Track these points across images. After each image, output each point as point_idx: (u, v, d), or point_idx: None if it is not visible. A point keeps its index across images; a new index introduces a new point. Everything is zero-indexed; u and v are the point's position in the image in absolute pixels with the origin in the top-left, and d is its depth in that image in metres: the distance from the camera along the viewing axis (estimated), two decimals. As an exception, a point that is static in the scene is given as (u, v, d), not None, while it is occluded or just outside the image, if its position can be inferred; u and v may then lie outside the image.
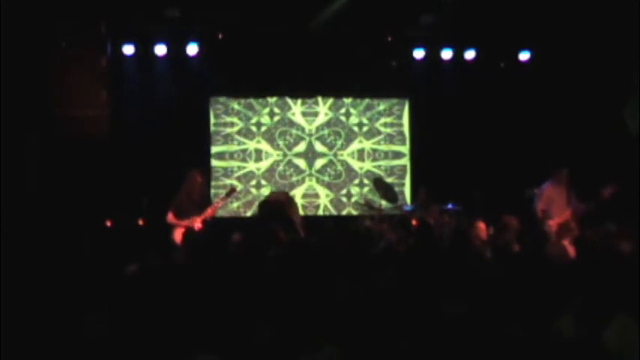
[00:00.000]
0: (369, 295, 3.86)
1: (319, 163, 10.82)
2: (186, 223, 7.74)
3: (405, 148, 11.00)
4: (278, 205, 7.83)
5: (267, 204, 8.17)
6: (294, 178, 10.73)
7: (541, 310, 3.53)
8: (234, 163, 10.59)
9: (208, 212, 7.83)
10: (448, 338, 3.16)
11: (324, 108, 10.86)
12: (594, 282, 3.81)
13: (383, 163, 10.96)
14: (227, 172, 10.57)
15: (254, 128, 10.68)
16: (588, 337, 3.20)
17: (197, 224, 7.74)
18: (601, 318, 3.22)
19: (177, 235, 7.70)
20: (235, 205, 10.44)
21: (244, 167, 10.62)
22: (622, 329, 3.14)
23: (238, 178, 10.56)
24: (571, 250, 6.01)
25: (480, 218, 7.58)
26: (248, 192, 10.59)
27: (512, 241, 6.47)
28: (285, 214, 7.53)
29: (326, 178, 10.83)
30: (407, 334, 3.24)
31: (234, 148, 10.60)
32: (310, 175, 10.79)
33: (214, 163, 10.50)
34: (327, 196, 10.82)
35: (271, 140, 10.71)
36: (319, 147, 10.83)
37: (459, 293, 3.77)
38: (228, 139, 10.59)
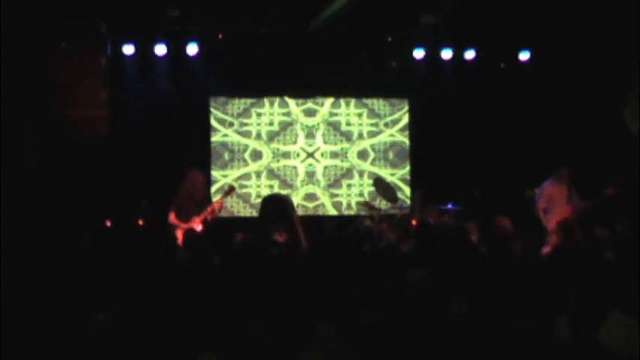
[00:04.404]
0: (370, 294, 3.87)
1: (319, 163, 10.82)
2: (188, 223, 7.73)
3: (405, 148, 11.00)
4: (281, 203, 7.76)
5: (270, 201, 8.09)
6: (294, 178, 10.72)
7: (538, 311, 3.53)
8: (234, 163, 10.59)
9: (208, 212, 7.83)
10: (449, 338, 3.16)
11: (324, 108, 10.86)
12: (588, 280, 3.82)
13: (383, 162, 10.96)
14: (226, 173, 10.56)
15: (254, 128, 10.67)
16: (584, 336, 3.20)
17: (198, 225, 7.73)
18: (596, 316, 3.22)
19: (179, 235, 7.70)
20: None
21: (244, 167, 10.62)
22: (618, 326, 3.13)
23: (238, 179, 10.56)
24: None
25: (477, 218, 7.56)
26: (247, 192, 10.59)
27: (507, 242, 6.44)
28: (287, 213, 7.49)
29: (326, 178, 10.82)
30: (407, 333, 3.24)
31: (233, 148, 10.60)
32: (310, 174, 10.79)
33: (213, 163, 10.50)
34: (328, 196, 10.81)
35: (271, 140, 10.70)
36: (319, 147, 10.82)
37: (463, 293, 3.77)
38: (227, 139, 10.59)
